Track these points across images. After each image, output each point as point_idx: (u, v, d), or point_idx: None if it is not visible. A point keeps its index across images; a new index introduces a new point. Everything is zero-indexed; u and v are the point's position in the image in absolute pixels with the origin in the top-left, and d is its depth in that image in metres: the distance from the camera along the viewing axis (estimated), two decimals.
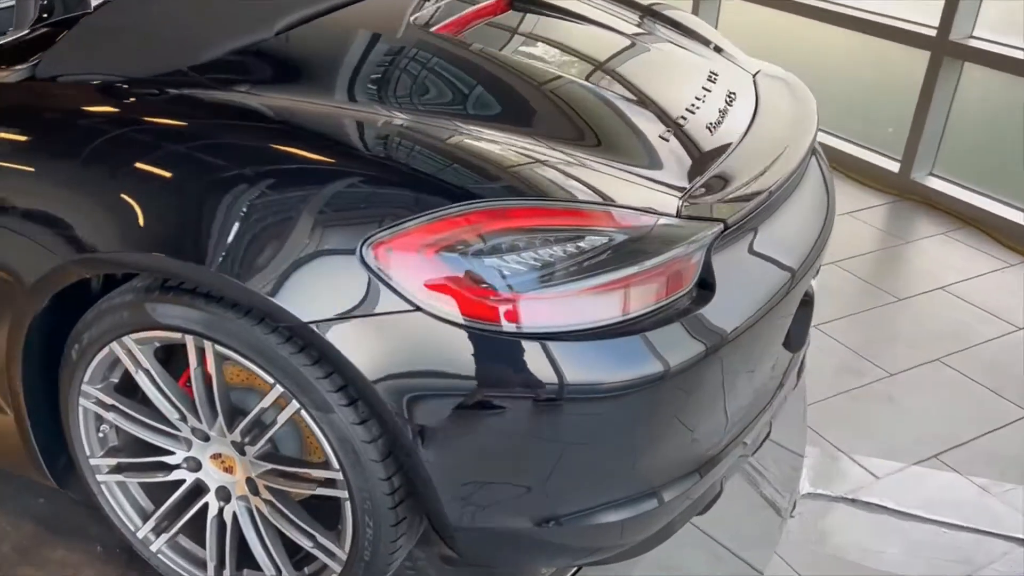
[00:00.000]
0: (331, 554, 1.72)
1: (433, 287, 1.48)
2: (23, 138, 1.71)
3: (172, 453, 1.79)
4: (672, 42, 2.33)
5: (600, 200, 1.59)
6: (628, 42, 2.26)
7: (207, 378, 1.65)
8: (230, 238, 1.51)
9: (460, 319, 1.47)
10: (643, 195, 1.65)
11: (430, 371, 1.49)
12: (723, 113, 1.98)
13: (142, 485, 1.88)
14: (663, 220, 1.60)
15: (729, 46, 2.39)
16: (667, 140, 1.83)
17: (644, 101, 1.95)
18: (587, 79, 1.99)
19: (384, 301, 1.48)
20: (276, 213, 1.52)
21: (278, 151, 1.61)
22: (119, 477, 1.86)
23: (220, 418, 1.69)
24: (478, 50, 1.98)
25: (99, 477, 1.86)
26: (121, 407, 1.76)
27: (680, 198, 1.66)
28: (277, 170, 1.57)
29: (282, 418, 1.61)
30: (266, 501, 1.74)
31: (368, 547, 1.67)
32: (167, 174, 1.59)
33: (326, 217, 1.51)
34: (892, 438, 2.52)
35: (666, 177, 1.72)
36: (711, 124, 1.93)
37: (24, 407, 1.81)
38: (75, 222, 1.62)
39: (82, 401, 1.77)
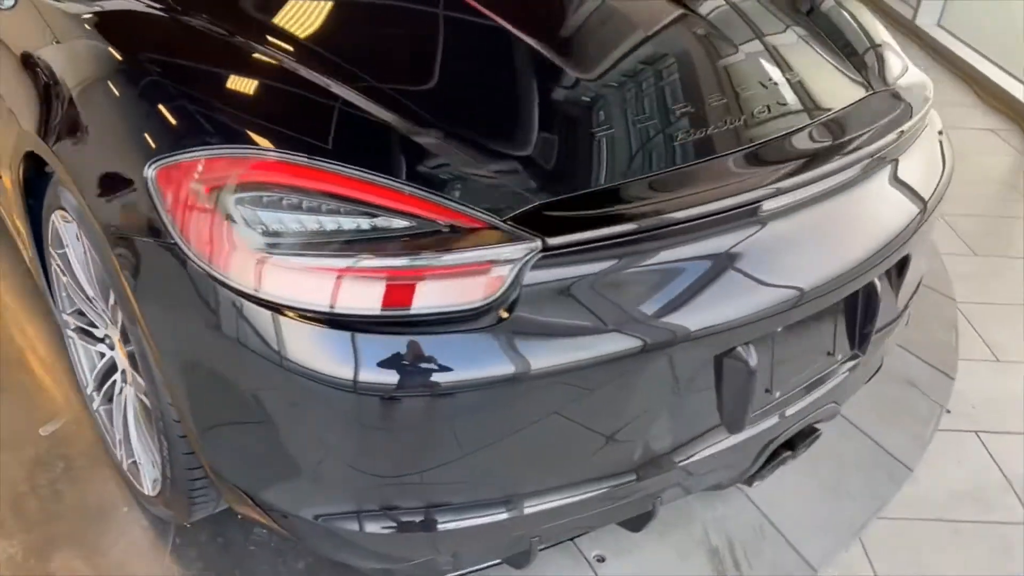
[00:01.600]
0: (153, 462, 1.77)
1: (192, 224, 1.40)
2: None
3: (96, 328, 1.95)
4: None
5: (407, 182, 1.41)
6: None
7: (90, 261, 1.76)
8: (64, 126, 1.59)
9: (206, 264, 1.39)
10: (479, 191, 1.43)
11: (173, 307, 1.45)
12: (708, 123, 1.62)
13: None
14: (480, 223, 1.38)
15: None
16: (580, 139, 1.57)
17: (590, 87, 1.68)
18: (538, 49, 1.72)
19: (153, 228, 1.45)
20: (99, 113, 1.56)
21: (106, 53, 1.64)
22: (74, 336, 2.06)
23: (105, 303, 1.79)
24: None
25: (66, 332, 2.09)
26: (65, 272, 1.94)
27: (520, 207, 1.42)
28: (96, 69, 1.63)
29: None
30: (137, 396, 1.83)
31: (168, 465, 1.68)
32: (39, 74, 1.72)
33: (130, 127, 1.51)
34: None
35: (524, 180, 1.47)
36: (678, 134, 1.59)
37: (36, 255, 2.08)
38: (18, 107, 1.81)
39: (49, 260, 1.98)
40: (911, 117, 1.87)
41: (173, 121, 1.48)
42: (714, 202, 1.50)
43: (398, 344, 1.34)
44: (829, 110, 1.80)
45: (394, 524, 1.50)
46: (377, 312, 1.33)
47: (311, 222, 1.37)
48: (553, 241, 1.39)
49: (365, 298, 1.33)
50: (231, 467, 1.59)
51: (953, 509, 2.27)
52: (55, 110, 1.69)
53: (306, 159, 1.40)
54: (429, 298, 1.34)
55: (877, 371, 2.14)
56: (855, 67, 1.99)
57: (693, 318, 1.48)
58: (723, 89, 1.76)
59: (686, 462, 1.64)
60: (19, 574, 1.87)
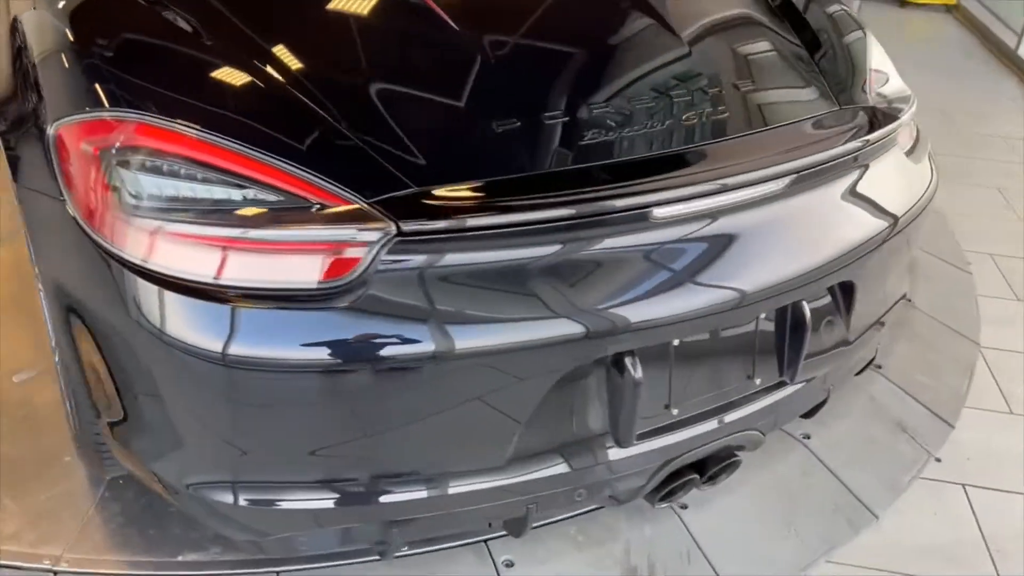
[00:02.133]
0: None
1: (79, 182, 1.46)
2: None
3: None
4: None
5: (280, 158, 1.43)
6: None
7: None
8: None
9: (83, 222, 1.44)
10: (356, 173, 1.43)
11: (62, 262, 1.51)
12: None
13: None
14: (346, 203, 1.40)
15: None
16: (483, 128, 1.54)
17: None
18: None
19: (51, 184, 1.51)
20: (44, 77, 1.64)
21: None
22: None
23: None
24: None
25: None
26: None
27: (389, 191, 1.42)
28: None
29: None
30: None
31: (76, 419, 1.75)
32: None
33: (53, 90, 1.58)
34: None
35: (405, 167, 1.46)
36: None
37: None
38: None
39: None
40: (868, 137, 1.76)
41: (86, 87, 1.55)
42: (588, 204, 1.45)
43: (225, 313, 1.35)
44: (756, 125, 1.72)
45: (247, 498, 1.52)
46: (211, 280, 1.35)
47: (185, 189, 1.41)
48: (408, 227, 1.38)
49: (205, 265, 1.35)
50: (115, 426, 1.64)
51: (916, 563, 2.10)
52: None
53: (189, 128, 1.43)
54: (261, 272, 1.35)
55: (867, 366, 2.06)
56: (826, 82, 1.89)
57: (550, 322, 1.43)
58: (639, 92, 1.69)
59: (558, 470, 1.59)
60: None
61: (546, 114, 1.59)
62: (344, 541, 1.67)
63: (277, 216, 1.38)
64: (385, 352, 1.37)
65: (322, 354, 1.36)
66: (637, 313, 1.48)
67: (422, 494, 1.53)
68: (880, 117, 1.84)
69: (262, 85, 1.52)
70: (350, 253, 1.37)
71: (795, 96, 1.85)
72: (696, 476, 1.78)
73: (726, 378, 1.71)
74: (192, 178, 1.41)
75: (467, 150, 1.53)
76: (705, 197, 1.53)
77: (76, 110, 1.51)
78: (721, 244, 1.57)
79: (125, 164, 1.41)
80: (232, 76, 1.55)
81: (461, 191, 1.44)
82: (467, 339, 1.40)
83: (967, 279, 3.13)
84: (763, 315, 1.69)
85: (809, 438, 2.36)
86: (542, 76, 1.68)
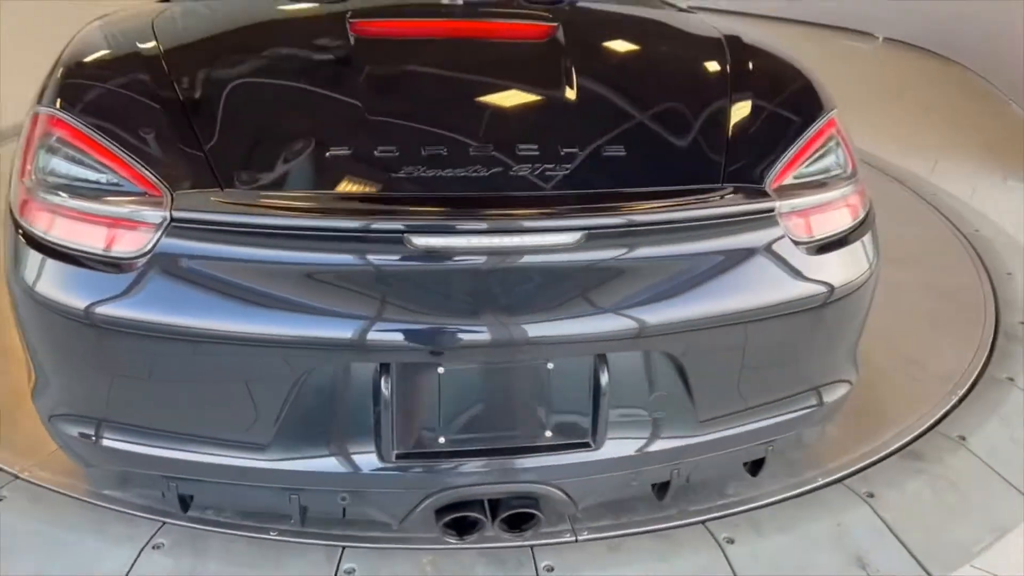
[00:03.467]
0: None
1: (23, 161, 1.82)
2: None
3: None
4: None
5: (133, 156, 1.70)
6: None
7: None
8: None
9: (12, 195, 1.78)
10: (184, 167, 1.69)
11: None
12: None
13: None
14: (158, 192, 1.65)
15: None
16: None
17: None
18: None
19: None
20: None
21: None
22: None
23: None
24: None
25: None
26: None
27: (196, 187, 1.64)
28: None
29: None
30: None
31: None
32: None
33: None
34: None
35: (224, 167, 1.69)
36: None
37: None
38: None
39: None
40: (695, 214, 1.70)
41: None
42: (353, 224, 1.57)
43: (47, 264, 1.64)
44: (564, 183, 1.71)
45: (78, 431, 1.77)
46: (42, 234, 1.64)
47: (68, 169, 1.72)
48: (178, 215, 1.58)
49: (41, 224, 1.66)
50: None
51: None
52: None
53: (82, 125, 1.74)
54: (73, 236, 1.63)
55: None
56: (724, 154, 1.82)
57: (299, 322, 1.56)
58: (476, 136, 1.77)
59: (320, 466, 1.67)
60: None
61: (377, 148, 1.72)
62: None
63: (99, 194, 1.65)
64: (153, 318, 1.58)
65: (103, 310, 1.59)
66: (380, 329, 1.56)
67: (192, 456, 1.69)
68: (748, 203, 1.74)
69: (152, 101, 1.81)
70: (140, 231, 1.60)
71: (651, 162, 1.80)
72: (483, 518, 1.75)
73: (510, 423, 1.69)
74: (73, 160, 1.71)
75: (288, 167, 1.71)
76: (467, 235, 1.58)
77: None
78: (481, 285, 1.60)
79: (44, 148, 1.75)
80: (129, 91, 1.85)
81: (252, 198, 1.61)
82: (220, 322, 1.56)
83: None
84: (549, 366, 1.66)
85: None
86: (394, 115, 1.84)
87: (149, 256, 1.58)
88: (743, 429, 1.85)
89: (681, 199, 1.70)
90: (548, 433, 1.70)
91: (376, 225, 1.57)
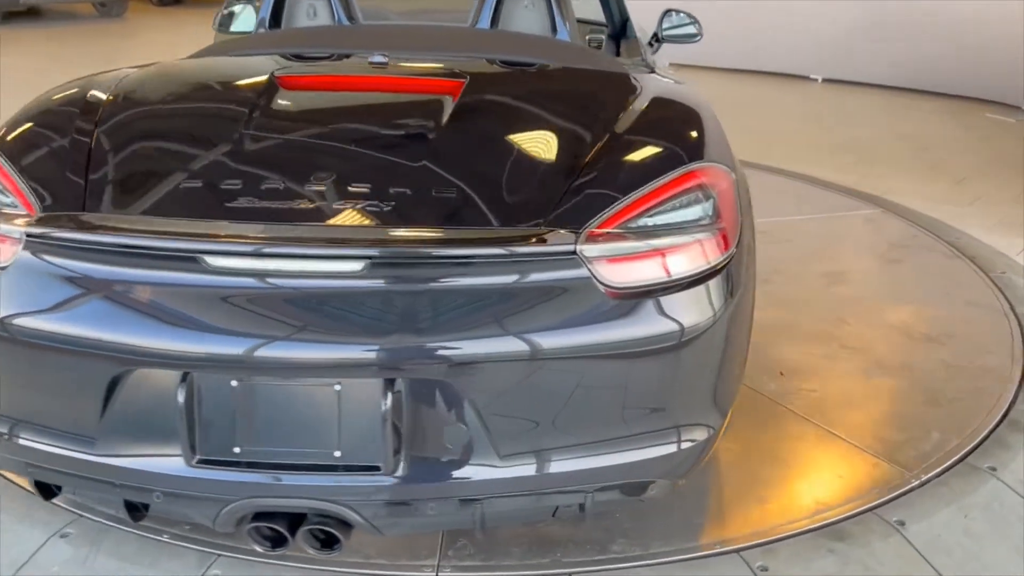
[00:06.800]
0: None
1: None
2: None
3: None
4: None
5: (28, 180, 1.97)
6: None
7: None
8: None
9: None
10: (65, 194, 1.93)
11: None
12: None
13: None
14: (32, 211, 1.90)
15: None
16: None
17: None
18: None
19: None
20: None
21: None
22: None
23: None
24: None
25: None
26: None
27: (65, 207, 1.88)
28: None
29: None
30: None
31: None
32: None
33: None
34: None
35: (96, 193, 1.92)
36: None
37: None
38: None
39: None
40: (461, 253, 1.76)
41: None
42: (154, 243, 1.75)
43: None
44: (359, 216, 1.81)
45: None
46: None
47: None
48: (33, 231, 1.82)
49: None
50: None
51: None
52: None
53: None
54: None
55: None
56: (544, 200, 1.88)
57: (106, 329, 1.75)
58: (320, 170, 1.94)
59: (136, 464, 1.83)
60: None
61: (223, 181, 1.91)
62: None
63: None
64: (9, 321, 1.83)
65: None
66: (176, 340, 1.73)
67: (36, 445, 1.90)
68: (547, 247, 1.78)
69: (69, 140, 2.06)
70: (8, 244, 1.85)
71: (476, 203, 1.88)
72: (284, 533, 1.84)
73: (302, 440, 1.78)
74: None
75: (142, 195, 1.92)
76: (255, 257, 1.72)
77: None
78: (269, 306, 1.74)
79: None
80: (53, 131, 2.13)
81: (87, 218, 1.84)
82: (40, 324, 1.80)
83: None
84: (336, 387, 1.75)
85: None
86: (255, 155, 2.05)
87: (10, 265, 1.83)
88: (560, 469, 1.85)
89: (466, 238, 1.77)
90: (337, 453, 1.78)
91: (176, 244, 1.75)
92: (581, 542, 2.29)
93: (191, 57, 2.78)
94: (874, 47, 8.34)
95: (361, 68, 2.51)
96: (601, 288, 1.78)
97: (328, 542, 1.91)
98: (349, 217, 1.80)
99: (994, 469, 2.62)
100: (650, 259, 1.85)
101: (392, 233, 1.79)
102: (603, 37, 3.72)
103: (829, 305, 3.70)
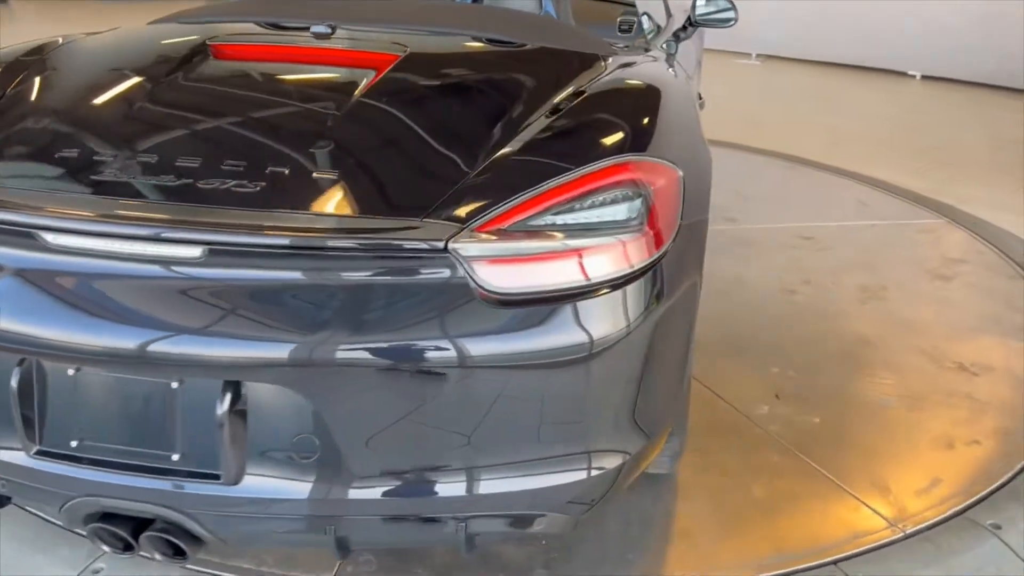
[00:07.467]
0: None
1: None
2: None
3: None
4: None
5: None
6: None
7: None
8: None
9: None
10: None
11: None
12: None
13: None
14: None
15: None
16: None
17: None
18: None
19: None
20: None
21: None
22: None
23: None
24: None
25: None
26: None
27: None
28: None
29: None
30: None
31: None
32: None
33: None
34: None
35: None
36: None
37: None
38: None
39: None
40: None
41: None
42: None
43: None
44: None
45: None
46: None
47: None
48: None
49: None
50: None
51: None
52: None
53: None
54: None
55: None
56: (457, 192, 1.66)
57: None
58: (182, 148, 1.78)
59: None
60: None
61: (95, 154, 1.76)
62: None
63: None
64: None
65: None
66: (7, 321, 1.58)
67: None
68: (410, 242, 1.56)
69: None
70: None
71: (350, 191, 1.67)
72: (126, 536, 1.70)
73: (138, 439, 1.63)
74: None
75: (15, 167, 1.80)
76: (90, 236, 1.55)
77: None
78: (103, 290, 1.57)
79: None
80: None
81: None
82: None
83: None
84: (174, 385, 1.58)
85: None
86: (147, 126, 1.89)
87: None
88: (427, 494, 1.64)
89: (318, 228, 1.57)
90: (175, 457, 1.62)
91: (11, 217, 1.61)
92: (496, 568, 2.08)
93: (152, 23, 2.66)
94: (981, 42, 7.71)
95: (302, 39, 2.33)
96: (479, 292, 1.56)
97: (180, 550, 1.76)
98: (199, 198, 1.62)
99: (998, 527, 2.28)
100: (551, 262, 1.61)
101: (236, 218, 1.59)
102: (634, 19, 3.44)
103: (855, 322, 3.35)
